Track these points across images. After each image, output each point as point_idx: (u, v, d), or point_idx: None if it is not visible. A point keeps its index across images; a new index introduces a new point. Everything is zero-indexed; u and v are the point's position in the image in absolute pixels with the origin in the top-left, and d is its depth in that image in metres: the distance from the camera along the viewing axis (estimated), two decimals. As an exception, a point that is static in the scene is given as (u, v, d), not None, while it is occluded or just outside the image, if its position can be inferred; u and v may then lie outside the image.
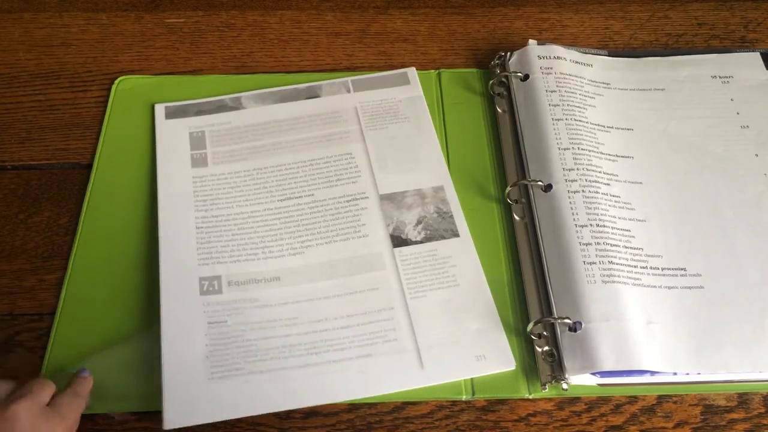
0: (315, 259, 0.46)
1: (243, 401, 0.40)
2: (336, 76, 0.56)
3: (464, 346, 0.42)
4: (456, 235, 0.47)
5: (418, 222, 0.47)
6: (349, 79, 0.55)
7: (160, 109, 0.54)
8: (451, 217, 0.47)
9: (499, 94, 0.54)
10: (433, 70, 0.56)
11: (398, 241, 0.46)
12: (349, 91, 0.55)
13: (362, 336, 0.43)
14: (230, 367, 0.41)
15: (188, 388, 0.41)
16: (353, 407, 0.41)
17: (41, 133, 0.53)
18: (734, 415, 0.41)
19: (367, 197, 0.49)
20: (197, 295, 0.44)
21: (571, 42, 0.58)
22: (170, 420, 0.39)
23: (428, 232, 0.47)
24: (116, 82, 0.55)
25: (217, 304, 0.44)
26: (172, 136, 0.52)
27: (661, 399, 0.42)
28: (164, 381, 0.41)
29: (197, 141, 0.52)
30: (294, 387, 0.41)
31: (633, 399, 0.42)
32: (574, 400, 0.42)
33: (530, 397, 0.41)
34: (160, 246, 0.46)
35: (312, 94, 0.55)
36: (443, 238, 0.46)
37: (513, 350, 0.42)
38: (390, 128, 0.52)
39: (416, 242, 0.46)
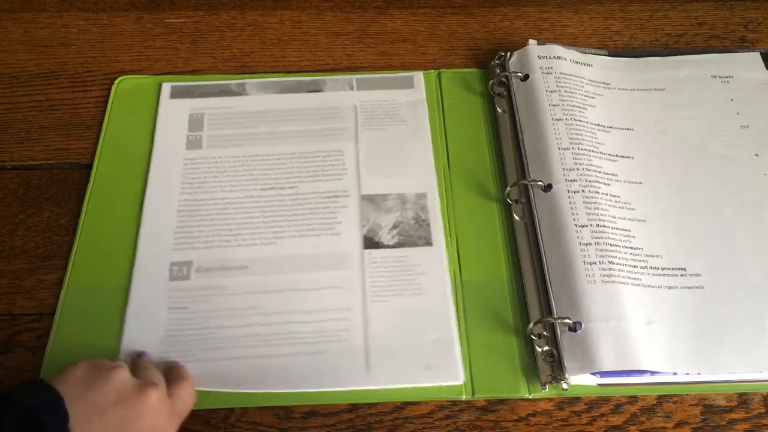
0: (286, 251, 0.46)
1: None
2: (336, 75, 0.56)
3: (415, 355, 0.42)
4: (429, 243, 0.46)
5: (394, 226, 0.47)
6: (353, 77, 0.55)
7: (166, 88, 0.54)
8: (428, 225, 0.47)
9: (499, 94, 0.54)
10: (433, 70, 0.56)
11: (370, 242, 0.46)
12: (352, 89, 0.55)
13: (317, 333, 0.43)
14: (183, 353, 0.42)
15: None
16: (353, 407, 0.41)
17: (41, 133, 0.53)
18: (734, 415, 0.41)
19: (349, 195, 0.49)
20: (166, 280, 0.45)
21: (571, 42, 0.58)
22: None
23: (402, 237, 0.47)
24: (116, 82, 0.55)
25: (183, 290, 0.44)
26: (173, 116, 0.53)
27: (661, 399, 0.42)
28: (120, 360, 0.41)
29: (196, 123, 0.52)
30: (241, 377, 0.41)
31: (633, 399, 0.42)
32: (574, 400, 0.41)
33: (530, 397, 0.41)
34: (141, 228, 0.47)
35: (315, 88, 0.55)
36: (416, 245, 0.46)
37: (513, 350, 0.43)
38: (386, 130, 0.52)
39: (388, 246, 0.46)
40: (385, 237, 0.47)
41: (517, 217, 0.48)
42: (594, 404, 0.41)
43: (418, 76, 0.55)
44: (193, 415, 0.41)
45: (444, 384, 0.41)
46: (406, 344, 0.42)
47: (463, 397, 0.41)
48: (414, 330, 0.43)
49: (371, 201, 0.48)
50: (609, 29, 0.60)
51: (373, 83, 0.55)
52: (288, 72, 0.56)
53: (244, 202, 0.48)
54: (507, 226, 0.48)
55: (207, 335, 0.43)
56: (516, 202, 0.48)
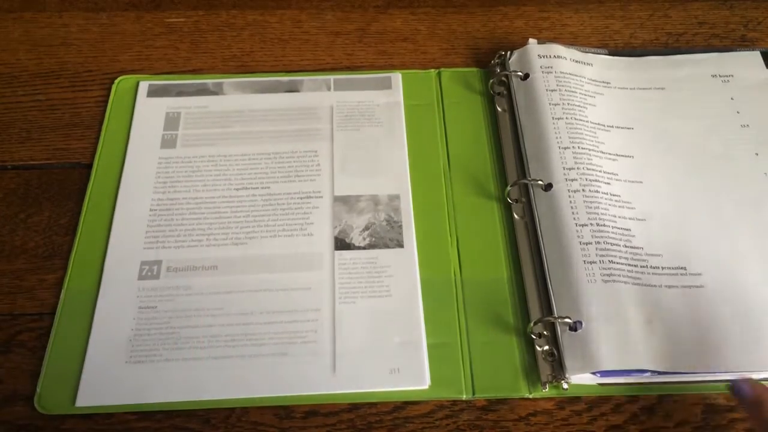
0: (256, 251, 0.46)
1: (155, 387, 0.41)
2: (314, 76, 0.56)
3: (381, 358, 0.42)
4: (400, 245, 0.46)
5: (366, 228, 0.47)
6: (332, 77, 0.55)
7: (143, 87, 0.54)
8: (400, 227, 0.47)
9: (499, 94, 0.54)
10: (433, 70, 0.56)
11: (341, 244, 0.46)
12: (329, 89, 0.55)
13: (283, 334, 0.43)
14: (148, 353, 0.42)
15: (106, 369, 0.41)
16: (354, 407, 0.41)
17: (41, 132, 0.53)
18: (735, 415, 0.41)
19: (321, 197, 0.48)
20: (135, 279, 0.45)
21: (572, 41, 0.58)
22: (83, 397, 0.40)
23: (373, 239, 0.47)
24: (116, 81, 0.55)
25: (152, 289, 0.44)
26: (149, 115, 0.53)
27: (662, 398, 0.42)
28: (86, 360, 0.41)
29: (171, 122, 0.52)
30: (205, 378, 0.41)
31: (633, 398, 0.42)
32: (575, 400, 0.41)
33: (530, 396, 0.41)
34: (112, 227, 0.47)
35: (292, 88, 0.55)
36: (387, 247, 0.46)
37: (513, 349, 0.42)
38: (361, 131, 0.52)
39: (359, 248, 0.46)
40: (357, 238, 0.47)
41: (517, 217, 0.48)
42: (594, 404, 0.41)
43: (396, 77, 0.55)
44: (193, 414, 0.41)
45: (409, 388, 0.41)
46: (371, 347, 0.42)
47: (464, 397, 0.41)
48: (380, 332, 0.43)
49: (344, 202, 0.48)
50: (609, 28, 0.60)
51: (350, 84, 0.55)
52: (288, 71, 0.56)
53: (216, 202, 0.48)
54: (507, 226, 0.48)
55: (173, 335, 0.43)
56: (516, 201, 0.48)
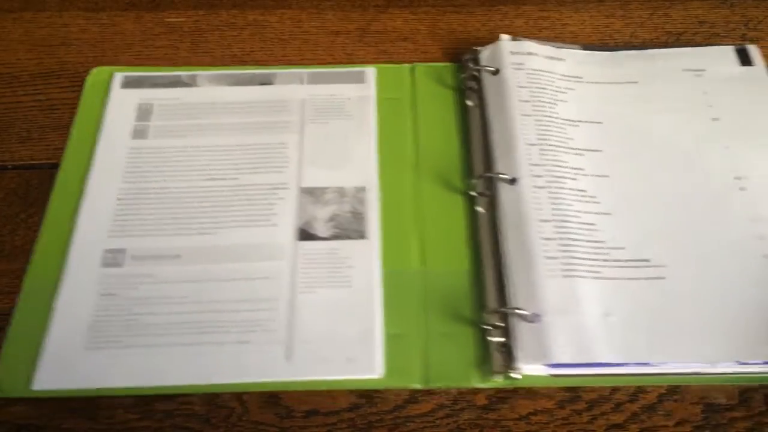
0: (221, 242, 0.46)
1: (113, 373, 0.41)
2: (289, 69, 0.56)
3: (337, 347, 0.42)
4: (363, 237, 0.47)
5: (331, 219, 0.47)
6: (305, 71, 0.56)
7: (118, 78, 0.55)
8: (364, 218, 0.47)
9: (470, 88, 0.54)
10: (407, 64, 0.56)
11: (305, 234, 0.47)
12: (302, 83, 0.55)
13: (243, 322, 0.43)
14: (109, 339, 0.42)
15: (66, 354, 0.42)
16: (354, 406, 0.41)
17: (41, 132, 0.53)
18: (735, 414, 0.41)
19: (288, 188, 0.49)
20: (98, 267, 0.45)
21: (572, 40, 0.58)
22: (40, 381, 0.41)
23: (337, 230, 0.47)
24: (91, 72, 0.55)
25: (115, 277, 0.45)
26: (122, 106, 0.53)
27: (662, 397, 0.42)
28: (45, 345, 0.42)
29: (144, 113, 0.53)
30: (166, 364, 0.41)
31: (634, 397, 0.42)
32: (575, 399, 0.42)
33: (482, 386, 0.41)
34: (79, 216, 0.47)
35: (265, 81, 0.55)
36: (350, 238, 0.46)
37: (468, 340, 0.43)
38: (331, 124, 0.52)
39: (322, 238, 0.46)
40: (321, 229, 0.47)
41: (481, 210, 0.48)
42: (595, 403, 0.41)
43: (371, 71, 0.56)
44: (193, 414, 0.41)
45: (362, 377, 0.41)
46: (328, 336, 0.43)
47: (418, 386, 0.41)
48: (339, 322, 0.43)
49: (310, 194, 0.48)
50: (609, 27, 0.60)
51: (324, 77, 0.55)
52: (267, 66, 0.56)
53: (184, 192, 0.48)
54: (472, 219, 0.48)
55: (134, 322, 0.43)
56: (482, 195, 0.48)
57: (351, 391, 0.42)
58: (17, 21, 0.60)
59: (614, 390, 0.42)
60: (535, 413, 0.41)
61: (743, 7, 0.61)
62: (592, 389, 0.42)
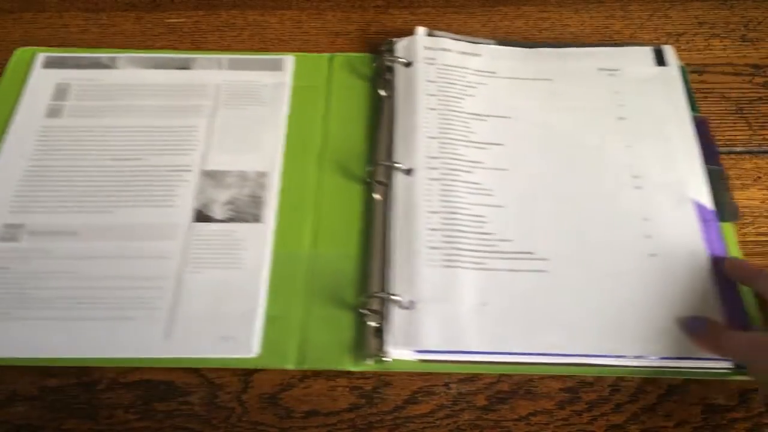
0: (118, 220, 0.47)
1: (1, 345, 0.42)
2: (209, 54, 0.57)
3: (217, 326, 0.43)
4: (258, 220, 0.47)
5: (229, 202, 0.48)
6: (225, 56, 0.56)
7: (40, 58, 0.55)
8: (262, 202, 0.48)
9: (385, 79, 0.54)
10: (326, 54, 0.56)
11: (201, 216, 0.47)
12: (220, 68, 0.55)
13: (129, 299, 0.44)
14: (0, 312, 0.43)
15: None
16: (354, 406, 0.41)
17: (41, 132, 0.53)
18: (735, 414, 0.41)
19: (190, 170, 0.49)
20: None
21: (572, 40, 0.58)
22: None
23: (234, 213, 0.47)
24: (15, 52, 0.56)
25: (10, 251, 0.45)
26: (40, 86, 0.54)
27: (662, 398, 0.42)
28: None
29: (60, 93, 0.53)
30: (49, 337, 0.42)
31: (634, 398, 0.42)
32: (575, 400, 0.42)
33: (354, 369, 0.42)
34: None
35: (183, 65, 0.55)
36: (245, 221, 0.47)
37: (347, 323, 0.43)
38: (244, 109, 0.53)
39: (218, 221, 0.47)
40: (218, 212, 0.47)
41: (378, 197, 0.48)
42: (595, 403, 0.41)
43: (289, 59, 0.56)
44: (193, 414, 0.41)
45: (236, 356, 0.42)
46: (211, 316, 0.43)
47: (291, 367, 0.42)
48: (222, 303, 0.44)
49: (212, 177, 0.49)
50: (609, 28, 0.60)
51: (243, 64, 0.56)
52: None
53: (89, 171, 0.49)
54: (368, 206, 0.48)
55: (23, 295, 0.44)
56: (380, 183, 0.49)
57: (351, 392, 0.42)
58: (17, 21, 0.60)
59: (614, 390, 0.42)
60: (534, 414, 0.41)
61: (743, 8, 0.61)
62: (593, 389, 0.42)
